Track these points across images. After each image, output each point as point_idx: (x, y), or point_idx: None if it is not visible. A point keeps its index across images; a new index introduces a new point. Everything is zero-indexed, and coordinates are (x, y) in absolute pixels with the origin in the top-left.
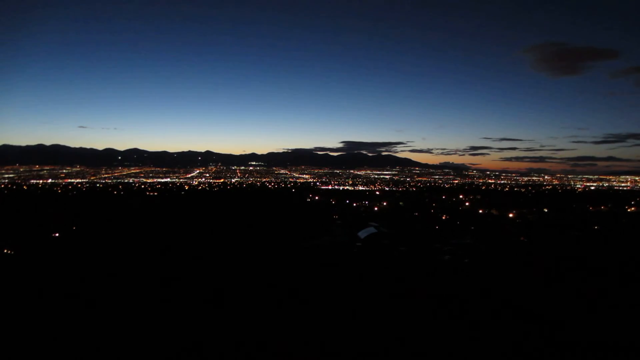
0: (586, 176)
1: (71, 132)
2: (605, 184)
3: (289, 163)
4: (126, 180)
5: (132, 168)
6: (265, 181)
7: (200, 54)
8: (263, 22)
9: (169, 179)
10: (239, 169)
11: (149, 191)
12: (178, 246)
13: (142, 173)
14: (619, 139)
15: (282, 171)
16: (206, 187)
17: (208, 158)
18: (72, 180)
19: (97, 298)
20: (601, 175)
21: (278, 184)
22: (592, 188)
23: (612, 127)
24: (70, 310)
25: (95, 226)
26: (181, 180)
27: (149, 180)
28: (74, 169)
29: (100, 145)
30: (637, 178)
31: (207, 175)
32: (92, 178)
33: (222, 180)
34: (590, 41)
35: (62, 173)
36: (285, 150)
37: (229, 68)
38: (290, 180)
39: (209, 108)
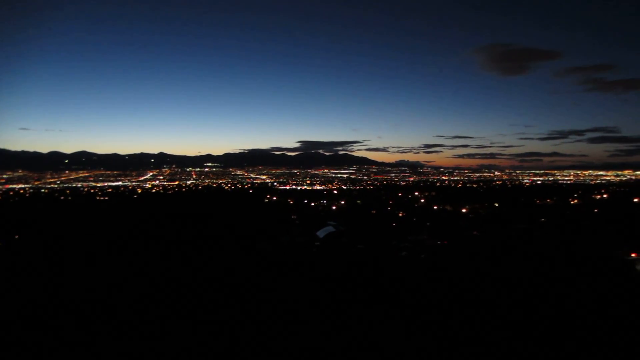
0: (533, 171)
1: (11, 135)
2: (551, 178)
3: (246, 164)
4: (74, 185)
5: (81, 172)
6: (221, 183)
7: (151, 52)
8: (216, 22)
9: (120, 183)
10: (195, 171)
11: (99, 195)
12: (126, 252)
13: (91, 177)
14: (562, 135)
15: (239, 172)
16: (160, 190)
17: (162, 160)
18: (14, 186)
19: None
20: (546, 170)
21: (235, 185)
22: (539, 182)
23: (556, 124)
24: None
25: (39, 234)
26: (134, 183)
27: (99, 184)
28: (16, 174)
29: (44, 148)
30: (579, 172)
31: (161, 177)
32: (36, 183)
33: (176, 182)
34: (535, 42)
35: (2, 179)
36: (242, 151)
37: (182, 68)
38: (248, 181)
39: (162, 108)
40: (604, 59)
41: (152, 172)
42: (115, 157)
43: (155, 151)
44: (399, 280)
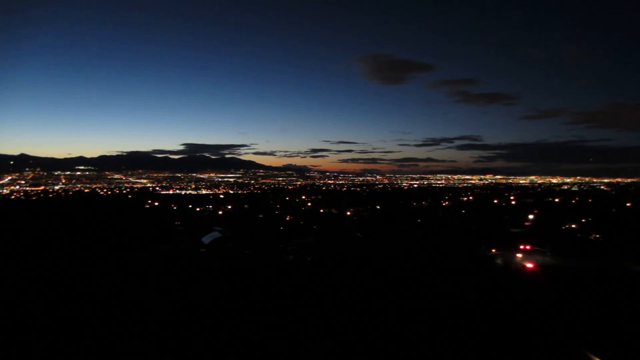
0: (410, 175)
1: None
2: (426, 182)
3: (124, 167)
4: None
5: None
6: (96, 188)
7: (10, 40)
8: (93, 19)
9: None
10: (64, 175)
11: None
12: None
13: None
14: (435, 142)
15: (117, 176)
16: (21, 196)
17: (23, 162)
18: None
19: None
20: (422, 174)
21: (112, 190)
22: (415, 186)
23: (430, 132)
24: None
25: None
26: None
27: None
28: None
29: None
30: (449, 176)
31: (23, 182)
32: None
33: (42, 187)
34: (412, 55)
35: None
36: (120, 153)
37: (47, 57)
38: (126, 185)
39: (22, 104)
40: (470, 74)
41: (10, 175)
42: None
43: (15, 152)
44: (284, 284)
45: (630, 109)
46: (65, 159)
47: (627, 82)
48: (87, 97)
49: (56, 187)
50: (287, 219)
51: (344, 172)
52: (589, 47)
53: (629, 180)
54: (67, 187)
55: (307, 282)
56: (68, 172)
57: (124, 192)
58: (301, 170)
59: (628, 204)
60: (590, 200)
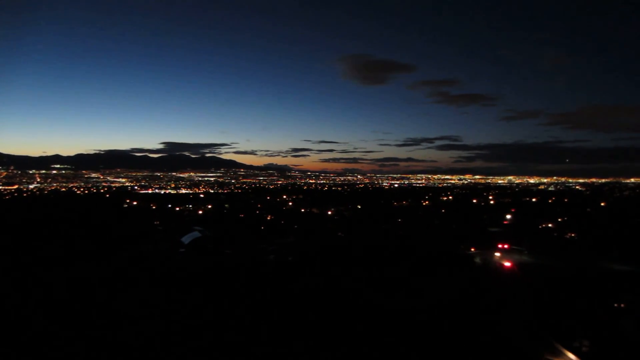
0: (391, 175)
1: None
2: (406, 182)
3: (102, 166)
4: None
5: None
6: (72, 187)
7: None
8: (69, 18)
9: None
10: (39, 174)
11: None
12: None
13: None
14: (416, 142)
15: (94, 175)
16: None
17: None
18: None
19: None
20: (403, 174)
21: (89, 189)
22: (396, 185)
23: (410, 132)
24: None
25: None
26: None
27: None
28: None
29: None
30: (429, 176)
31: None
32: None
33: (16, 186)
34: (393, 55)
35: None
36: (98, 152)
37: (22, 57)
38: (104, 184)
39: None
40: (450, 75)
41: None
42: None
43: None
44: (265, 284)
45: (605, 111)
46: (41, 158)
47: (602, 84)
48: (63, 95)
49: (31, 186)
50: (268, 218)
51: (325, 172)
52: (566, 49)
53: (603, 180)
54: (43, 186)
55: (288, 282)
56: (43, 171)
57: (102, 191)
58: (282, 170)
59: (602, 204)
60: (566, 200)
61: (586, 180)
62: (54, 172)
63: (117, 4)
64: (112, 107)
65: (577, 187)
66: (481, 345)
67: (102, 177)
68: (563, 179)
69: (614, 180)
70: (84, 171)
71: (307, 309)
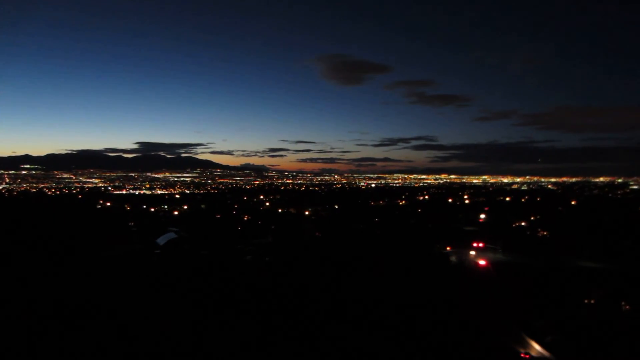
0: (368, 175)
1: None
2: (383, 182)
3: (74, 166)
4: None
5: None
6: (43, 187)
7: None
8: (38, 16)
9: None
10: (7, 174)
11: None
12: None
13: None
14: (392, 142)
15: (66, 175)
16: None
17: None
18: None
19: None
20: (379, 174)
21: (61, 190)
22: (373, 185)
23: (387, 132)
24: None
25: None
26: None
27: None
28: None
29: None
30: (406, 176)
31: None
32: None
33: None
34: (370, 56)
35: None
36: (70, 152)
37: None
38: (77, 185)
39: None
40: (426, 75)
41: None
42: None
43: None
44: (242, 285)
45: (575, 112)
46: (10, 157)
47: (572, 85)
48: (33, 93)
49: None
50: (245, 219)
51: (302, 172)
52: (538, 51)
53: (574, 179)
54: (12, 187)
55: (265, 284)
56: (12, 171)
57: (74, 192)
58: (259, 170)
59: (573, 202)
60: (538, 199)
61: (558, 179)
62: (24, 172)
63: (88, 3)
64: (85, 106)
65: (549, 186)
66: (456, 340)
67: (74, 178)
68: (536, 178)
69: (584, 179)
70: (55, 172)
71: (284, 309)
